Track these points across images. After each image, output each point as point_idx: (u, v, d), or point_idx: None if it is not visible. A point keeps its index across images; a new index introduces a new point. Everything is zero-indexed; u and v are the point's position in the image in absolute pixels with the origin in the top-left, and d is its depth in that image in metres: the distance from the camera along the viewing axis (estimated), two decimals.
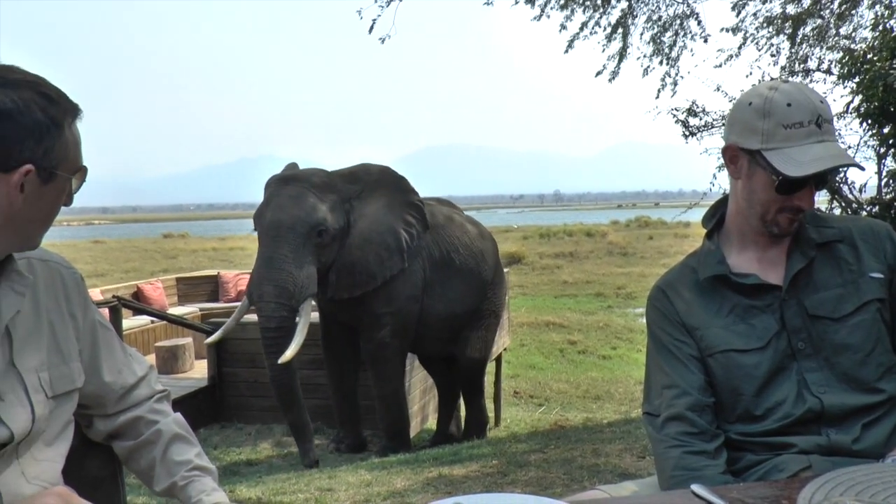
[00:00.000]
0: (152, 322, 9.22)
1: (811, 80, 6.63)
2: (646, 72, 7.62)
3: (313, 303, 5.89)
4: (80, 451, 1.40)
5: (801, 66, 6.94)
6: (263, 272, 5.49)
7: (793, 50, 7.03)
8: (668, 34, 7.47)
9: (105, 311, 6.21)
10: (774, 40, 7.04)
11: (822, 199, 5.85)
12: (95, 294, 8.63)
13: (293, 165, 6.29)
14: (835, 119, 1.76)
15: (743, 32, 7.15)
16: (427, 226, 6.09)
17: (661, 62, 7.55)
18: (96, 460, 1.50)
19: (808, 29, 6.81)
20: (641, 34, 7.54)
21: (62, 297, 1.35)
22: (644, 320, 1.73)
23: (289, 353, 5.43)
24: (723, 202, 1.66)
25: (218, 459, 6.23)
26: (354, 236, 5.82)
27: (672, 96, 7.64)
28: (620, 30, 7.40)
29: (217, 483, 1.40)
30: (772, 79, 6.22)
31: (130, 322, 8.86)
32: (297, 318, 5.60)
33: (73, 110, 1.19)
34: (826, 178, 1.52)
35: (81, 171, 1.23)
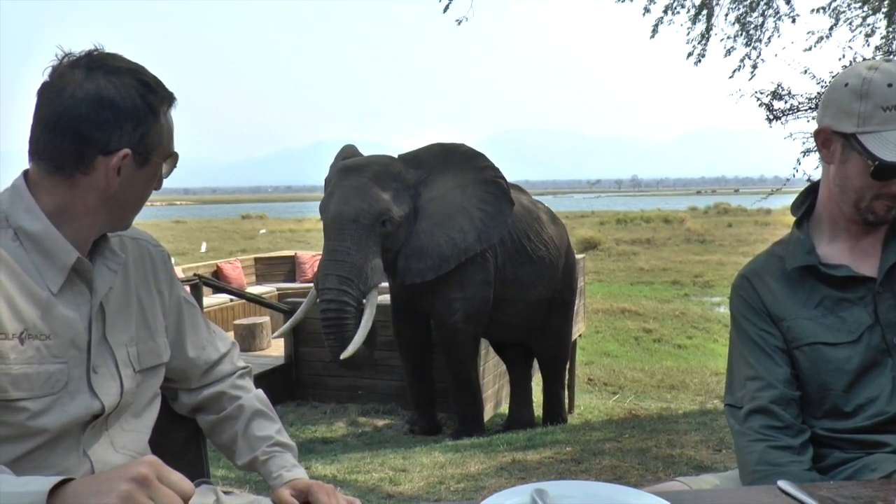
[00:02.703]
0: (231, 300, 9.47)
1: None
2: (728, 52, 7.35)
3: (383, 290, 5.90)
4: (166, 424, 1.45)
5: None
6: (328, 264, 5.53)
7: (889, 29, 6.68)
8: (755, 14, 7.19)
9: (186, 289, 6.43)
10: (870, 19, 6.70)
11: None
12: (177, 272, 8.91)
13: (350, 148, 6.31)
14: None
15: (835, 12, 6.83)
16: (513, 202, 5.96)
17: (745, 43, 7.27)
18: (181, 432, 1.55)
19: None
20: (726, 15, 7.28)
21: (150, 274, 1.39)
22: (721, 310, 1.67)
23: (350, 349, 5.43)
24: (813, 188, 1.58)
25: (293, 437, 6.33)
26: (423, 221, 5.77)
27: (750, 79, 7.36)
28: (705, 11, 7.16)
29: (297, 459, 1.43)
30: (864, 59, 5.94)
31: (210, 300, 9.11)
32: (364, 310, 5.58)
33: (168, 98, 1.22)
34: None
35: (173, 157, 1.27)
